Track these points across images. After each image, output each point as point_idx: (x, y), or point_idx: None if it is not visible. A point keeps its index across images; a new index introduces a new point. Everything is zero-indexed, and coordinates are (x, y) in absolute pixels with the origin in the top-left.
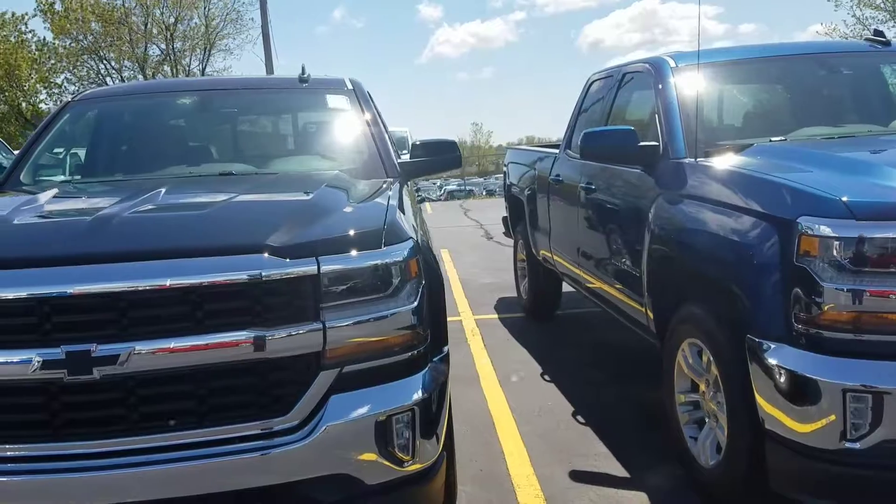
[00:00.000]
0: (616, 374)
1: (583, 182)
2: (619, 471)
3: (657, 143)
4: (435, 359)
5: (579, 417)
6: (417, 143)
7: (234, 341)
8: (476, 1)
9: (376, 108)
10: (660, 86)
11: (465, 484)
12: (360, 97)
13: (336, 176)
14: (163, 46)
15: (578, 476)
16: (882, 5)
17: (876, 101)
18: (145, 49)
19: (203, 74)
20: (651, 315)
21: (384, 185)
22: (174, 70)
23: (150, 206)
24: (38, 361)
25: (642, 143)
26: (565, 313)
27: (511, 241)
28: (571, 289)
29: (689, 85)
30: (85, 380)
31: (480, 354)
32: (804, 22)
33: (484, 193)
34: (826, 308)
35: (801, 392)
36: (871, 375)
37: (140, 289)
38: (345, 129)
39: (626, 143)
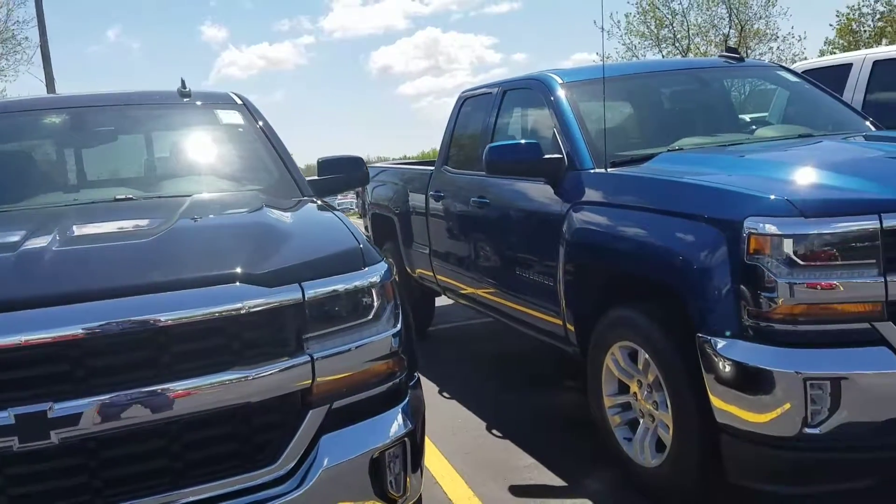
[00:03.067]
0: (510, 383)
1: (474, 196)
2: (554, 480)
3: (561, 156)
4: (411, 385)
5: (495, 431)
6: (322, 160)
7: (212, 385)
8: (262, 24)
9: None
10: (552, 100)
11: None
12: (253, 112)
13: (261, 197)
14: None
15: (518, 490)
16: (646, 34)
17: (734, 111)
18: None
19: None
20: (570, 324)
21: (319, 205)
22: None
23: (73, 240)
24: None
25: (547, 156)
26: (437, 329)
27: None
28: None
29: (581, 99)
30: (40, 446)
31: None
32: (568, 51)
33: None
34: (779, 302)
35: (757, 383)
36: (829, 363)
37: (99, 333)
38: (245, 146)
39: (532, 156)
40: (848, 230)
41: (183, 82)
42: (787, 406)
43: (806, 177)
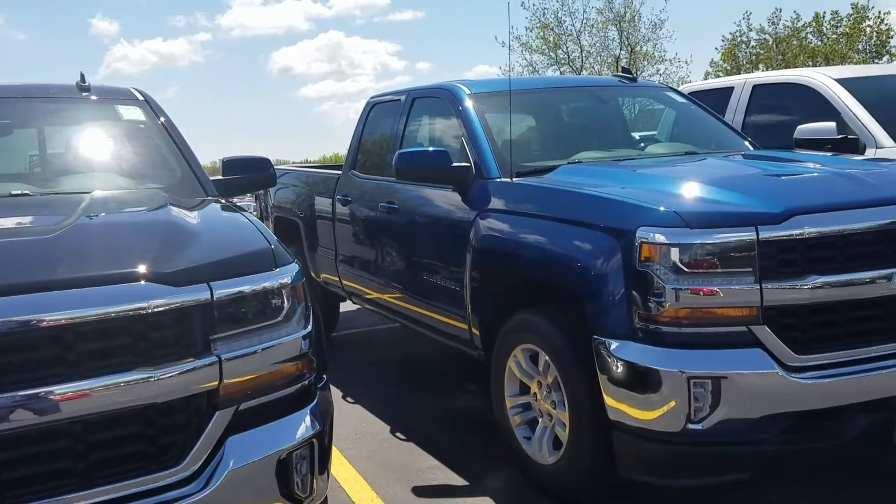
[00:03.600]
0: (415, 387)
1: (382, 201)
2: (457, 480)
3: (469, 164)
4: (319, 387)
5: (399, 434)
6: (227, 160)
7: (116, 385)
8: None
9: None
10: (460, 110)
11: None
12: (155, 108)
13: (163, 195)
14: None
15: (422, 491)
16: (545, 51)
17: (627, 128)
18: None
19: None
20: (475, 328)
21: (225, 205)
22: None
23: None
24: None
25: (455, 164)
26: (341, 335)
27: None
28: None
29: (488, 110)
30: None
31: None
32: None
33: None
34: (667, 306)
35: (646, 382)
36: (710, 363)
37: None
38: (146, 143)
39: (441, 163)
40: (728, 241)
41: (82, 76)
42: (673, 403)
43: (692, 191)
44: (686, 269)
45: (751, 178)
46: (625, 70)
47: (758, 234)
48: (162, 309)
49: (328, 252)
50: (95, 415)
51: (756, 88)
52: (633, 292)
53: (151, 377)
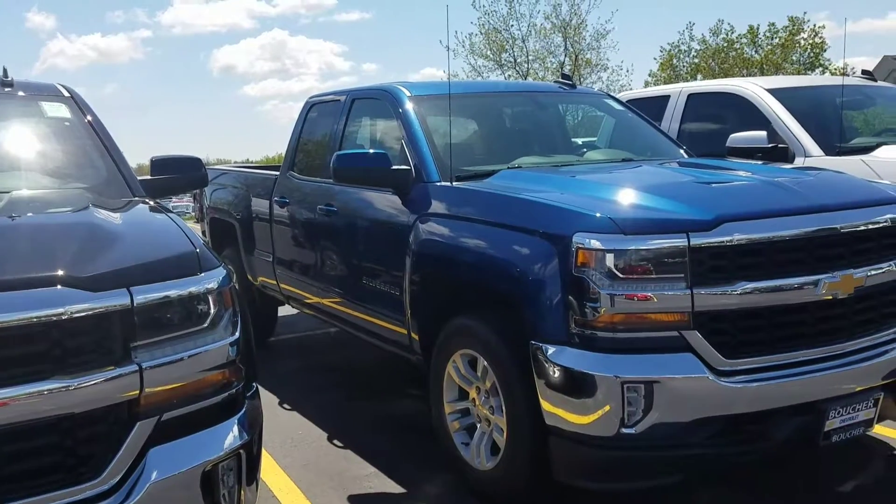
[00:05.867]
0: (353, 393)
1: (321, 204)
2: (394, 487)
3: (409, 168)
4: (248, 395)
5: (336, 441)
6: (156, 159)
7: (30, 395)
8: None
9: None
10: (401, 112)
11: None
12: (82, 106)
13: (87, 195)
14: None
15: (357, 500)
16: (490, 55)
17: (567, 134)
18: None
19: None
20: (414, 333)
21: (151, 206)
22: None
23: None
24: None
25: (395, 167)
26: (278, 339)
27: None
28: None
29: (428, 113)
30: None
31: None
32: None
33: None
34: (602, 311)
35: (581, 387)
36: (643, 368)
37: None
38: (71, 141)
39: (380, 165)
40: (660, 247)
41: (5, 71)
42: (607, 408)
43: (626, 197)
44: (620, 275)
45: (683, 185)
46: (564, 76)
47: (689, 241)
48: (79, 315)
49: (265, 255)
50: (8, 425)
51: (691, 97)
52: (570, 297)
53: (68, 386)
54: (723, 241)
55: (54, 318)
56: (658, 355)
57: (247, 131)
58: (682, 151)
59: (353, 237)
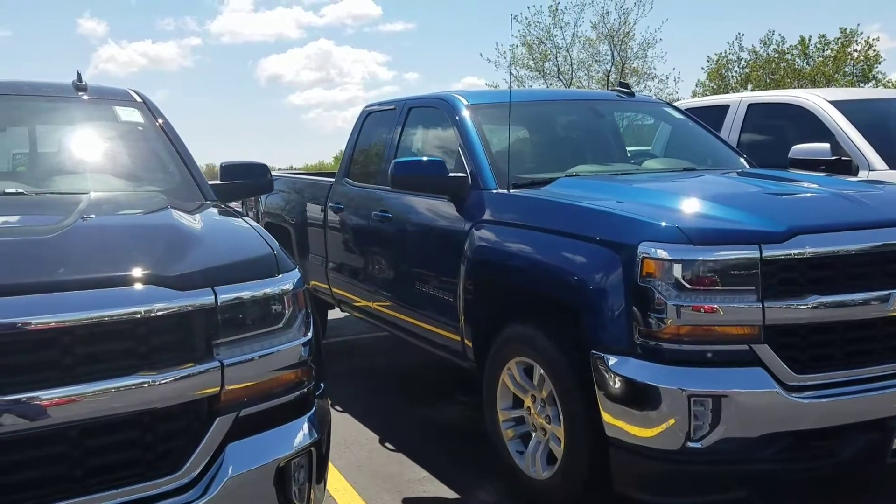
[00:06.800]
0: (402, 397)
1: (376, 210)
2: (448, 493)
3: (465, 175)
4: (317, 395)
5: (388, 444)
6: (226, 164)
7: (117, 390)
8: (145, 21)
9: None
10: (458, 120)
11: None
12: (153, 110)
13: (163, 198)
14: None
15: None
16: (532, 66)
17: (622, 143)
18: None
19: None
20: (468, 339)
21: (225, 210)
22: None
23: None
24: None
25: (451, 174)
26: (328, 342)
27: None
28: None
29: (484, 121)
30: None
31: None
32: (459, 75)
33: None
34: (668, 322)
35: (644, 399)
36: (711, 381)
37: None
38: (145, 145)
39: (437, 173)
40: (731, 258)
41: (79, 75)
42: (672, 421)
43: (693, 207)
44: (688, 286)
45: (752, 195)
46: (622, 84)
47: (761, 253)
48: (165, 313)
49: (318, 259)
50: (93, 420)
51: (751, 107)
52: (634, 308)
53: (153, 381)
54: (795, 254)
55: (143, 316)
56: (726, 369)
57: (290, 139)
58: (742, 161)
59: (407, 243)
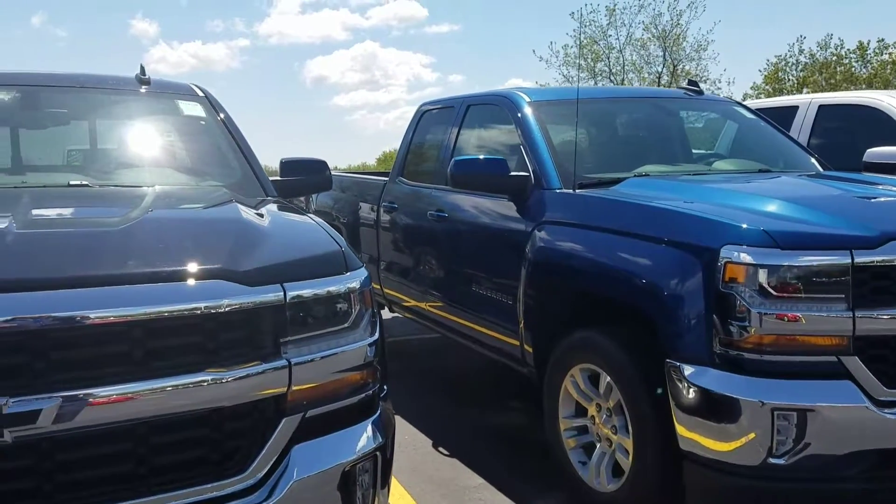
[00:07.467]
0: (455, 400)
1: (431, 210)
2: (505, 501)
3: (527, 174)
4: (382, 397)
5: (442, 449)
6: (286, 161)
7: (186, 387)
8: (195, 22)
9: None
10: (519, 118)
11: None
12: (215, 105)
13: (227, 193)
14: None
15: None
16: (583, 66)
17: (688, 143)
18: None
19: None
20: (527, 344)
21: (288, 206)
22: None
23: (34, 223)
24: None
25: (513, 173)
26: None
27: None
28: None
29: (547, 119)
30: None
31: None
32: (504, 77)
33: None
34: (751, 331)
35: (723, 411)
36: (796, 394)
37: (62, 324)
38: (207, 140)
39: (498, 172)
40: (821, 264)
41: (142, 69)
42: (752, 435)
43: (777, 209)
44: (774, 293)
45: (839, 198)
46: (691, 83)
47: (852, 259)
48: (235, 308)
49: (371, 259)
50: (160, 417)
51: (822, 108)
52: (714, 315)
53: (222, 379)
54: (889, 260)
55: (212, 311)
56: (813, 381)
57: (333, 140)
58: (814, 162)
59: (463, 243)
